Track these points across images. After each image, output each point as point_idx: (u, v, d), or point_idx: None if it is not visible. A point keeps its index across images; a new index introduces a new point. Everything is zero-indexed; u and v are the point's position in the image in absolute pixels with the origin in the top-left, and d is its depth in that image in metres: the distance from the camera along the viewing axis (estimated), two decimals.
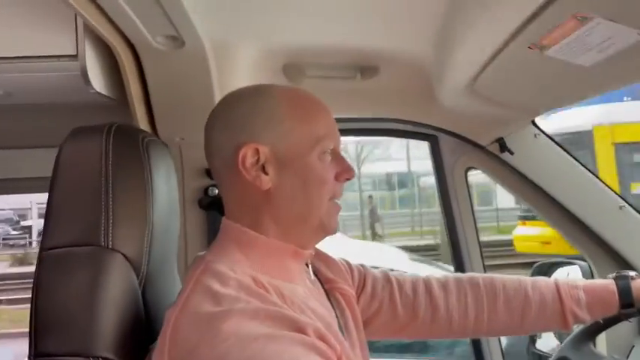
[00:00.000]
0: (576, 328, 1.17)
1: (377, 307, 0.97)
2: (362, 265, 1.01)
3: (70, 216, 0.75)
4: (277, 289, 0.73)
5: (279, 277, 0.76)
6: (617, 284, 0.98)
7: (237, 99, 0.82)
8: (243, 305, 0.66)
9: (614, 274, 1.01)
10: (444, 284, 1.00)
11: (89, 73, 0.93)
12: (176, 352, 0.65)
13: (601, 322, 1.07)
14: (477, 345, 1.58)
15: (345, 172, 0.81)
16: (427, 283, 1.00)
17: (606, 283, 1.00)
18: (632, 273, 1.00)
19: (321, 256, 0.95)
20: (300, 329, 0.66)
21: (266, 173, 0.76)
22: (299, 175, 0.77)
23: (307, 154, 0.77)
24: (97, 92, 0.98)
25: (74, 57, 0.92)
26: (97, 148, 0.77)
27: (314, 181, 0.78)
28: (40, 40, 0.92)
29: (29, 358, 0.69)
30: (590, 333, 1.13)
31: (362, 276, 0.99)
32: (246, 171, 0.76)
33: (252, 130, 0.77)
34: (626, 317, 1.00)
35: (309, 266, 0.89)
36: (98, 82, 0.97)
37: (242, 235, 0.77)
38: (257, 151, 0.76)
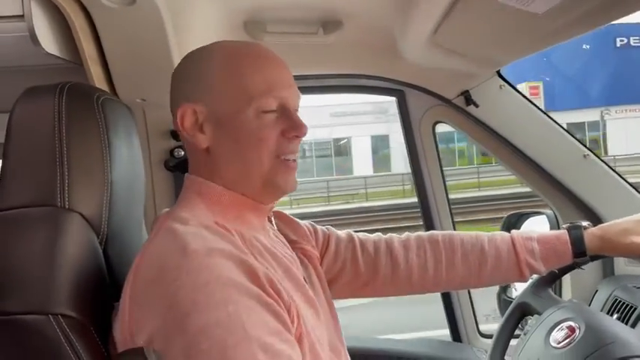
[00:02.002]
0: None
1: (340, 266, 1.00)
2: (327, 227, 1.04)
3: (24, 177, 0.74)
4: (239, 232, 0.75)
5: (240, 226, 0.78)
6: (570, 234, 1.00)
7: (184, 60, 0.83)
8: (198, 244, 0.67)
9: (567, 225, 1.03)
10: (404, 242, 1.03)
11: (37, 33, 0.90)
12: (137, 291, 0.67)
13: (556, 272, 1.10)
14: (449, 307, 1.63)
15: (292, 128, 0.79)
16: (388, 241, 1.03)
17: (559, 233, 1.02)
18: (584, 223, 1.02)
19: (284, 218, 0.97)
20: (251, 272, 0.68)
21: (203, 132, 0.78)
22: (232, 133, 0.77)
23: (241, 111, 0.77)
24: (49, 54, 0.95)
25: (20, 17, 0.89)
26: (49, 107, 0.75)
27: (248, 139, 0.77)
28: None
29: None
30: (549, 279, 1.16)
31: (326, 237, 1.01)
32: (185, 131, 0.78)
33: (190, 90, 0.79)
34: (579, 265, 1.03)
35: (273, 223, 0.91)
36: (49, 42, 0.94)
37: (202, 187, 0.79)
38: (194, 111, 0.78)
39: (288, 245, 0.91)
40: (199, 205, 0.77)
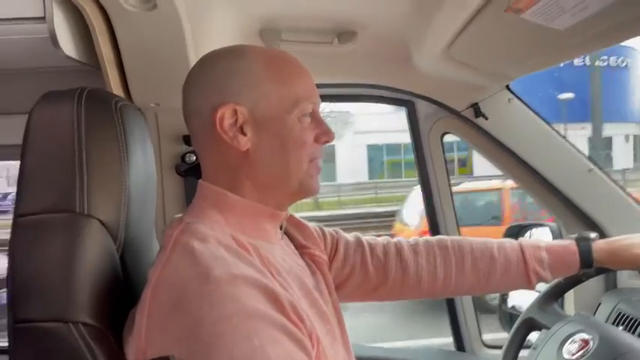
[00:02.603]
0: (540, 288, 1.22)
1: (349, 270, 0.99)
2: (335, 230, 1.03)
3: (43, 182, 0.73)
4: (256, 249, 0.74)
5: (257, 237, 0.77)
6: (578, 245, 1.01)
7: (214, 59, 0.80)
8: (220, 270, 0.65)
9: (575, 235, 1.04)
10: (414, 247, 1.03)
11: (58, 36, 0.90)
12: (155, 314, 0.65)
13: (562, 281, 1.11)
14: (453, 317, 1.63)
15: (324, 134, 0.81)
16: (398, 245, 1.03)
17: (568, 244, 1.03)
18: (592, 235, 1.03)
19: (293, 221, 0.96)
20: (276, 300, 0.66)
21: (244, 134, 0.76)
22: (277, 136, 0.77)
23: (286, 115, 0.77)
24: (68, 56, 0.95)
25: (42, 19, 0.89)
26: (68, 112, 0.74)
27: (293, 142, 0.77)
28: (5, 3, 0.88)
29: (9, 325, 0.69)
30: (555, 294, 1.17)
31: (334, 240, 1.01)
32: (224, 132, 0.75)
33: (231, 90, 0.76)
34: (586, 277, 1.05)
35: (282, 228, 0.90)
36: (68, 45, 0.94)
37: (220, 197, 0.77)
38: (235, 112, 0.75)
39: (297, 253, 0.90)
40: (216, 217, 0.76)
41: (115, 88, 1.09)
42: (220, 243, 0.70)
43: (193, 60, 1.11)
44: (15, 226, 0.72)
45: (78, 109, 0.75)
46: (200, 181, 0.81)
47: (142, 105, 1.18)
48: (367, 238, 1.04)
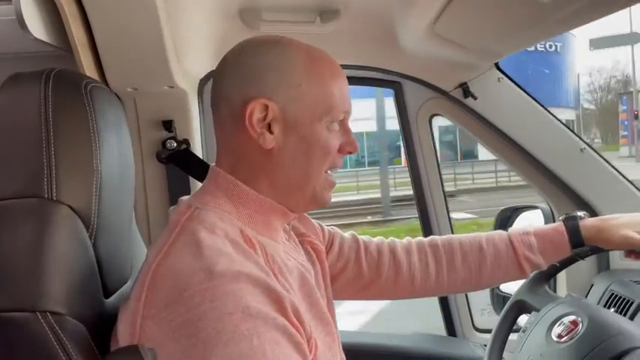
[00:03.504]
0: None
1: (343, 265, 0.99)
2: (332, 227, 1.03)
3: (9, 167, 0.71)
4: (262, 246, 0.72)
5: (264, 234, 0.76)
6: (565, 225, 1.00)
7: (253, 48, 0.77)
8: (224, 266, 0.64)
9: (563, 217, 1.03)
10: (407, 246, 1.03)
11: (25, 17, 0.86)
12: (153, 303, 0.64)
13: (557, 264, 1.09)
14: (444, 302, 1.62)
15: (349, 144, 0.79)
16: (391, 244, 1.03)
17: (556, 225, 1.02)
18: (580, 213, 1.02)
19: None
20: (278, 301, 0.65)
21: (271, 132, 0.74)
22: (305, 140, 0.75)
23: (317, 120, 0.75)
24: (37, 39, 0.92)
25: (8, 0, 0.85)
26: (35, 94, 0.71)
27: (318, 149, 0.75)
28: None
29: None
30: (546, 275, 1.15)
31: (331, 235, 1.01)
32: (251, 126, 0.73)
33: (266, 85, 0.74)
34: (580, 256, 1.03)
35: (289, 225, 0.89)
36: (37, 27, 0.91)
37: (234, 188, 0.75)
38: (266, 108, 0.73)
39: (300, 248, 0.89)
40: (227, 207, 0.74)
41: (89, 72, 1.05)
42: (227, 236, 0.69)
43: (170, 43, 1.07)
44: None
45: (45, 91, 0.72)
46: (214, 166, 0.79)
47: (119, 90, 1.15)
48: (362, 237, 1.05)
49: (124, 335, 0.66)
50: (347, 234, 1.03)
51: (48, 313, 0.65)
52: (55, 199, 0.70)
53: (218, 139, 0.80)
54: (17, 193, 0.69)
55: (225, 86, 0.77)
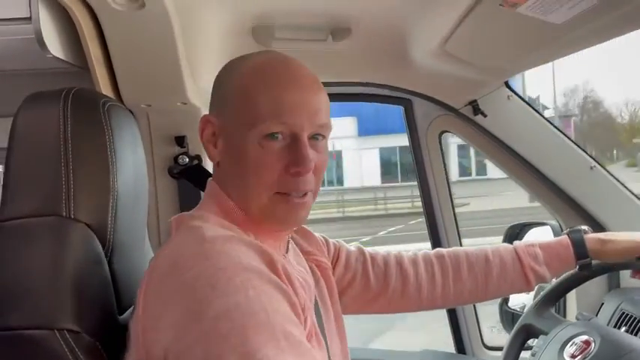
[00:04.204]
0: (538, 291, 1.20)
1: (350, 278, 0.99)
2: (337, 241, 1.03)
3: (28, 186, 0.72)
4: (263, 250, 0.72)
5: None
6: (570, 238, 1.02)
7: (224, 67, 0.81)
8: (217, 232, 0.66)
9: (567, 230, 1.04)
10: (413, 258, 1.03)
11: (44, 36, 0.88)
12: (152, 282, 0.65)
13: (558, 285, 1.11)
14: (453, 319, 1.61)
15: (292, 164, 0.70)
16: (397, 256, 1.03)
17: (560, 238, 1.03)
18: (584, 227, 1.04)
19: (300, 229, 0.95)
20: (270, 261, 0.65)
21: (216, 147, 0.76)
22: (235, 156, 0.73)
23: (245, 134, 0.71)
24: (55, 57, 0.93)
25: (27, 20, 0.87)
26: (54, 113, 0.73)
27: (248, 166, 0.71)
28: None
29: None
30: (551, 298, 1.15)
31: (337, 249, 1.00)
32: (202, 140, 0.77)
33: (213, 101, 0.78)
34: (584, 270, 1.03)
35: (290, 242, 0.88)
36: (55, 46, 0.92)
37: (225, 204, 0.76)
38: (211, 124, 0.76)
39: (303, 264, 0.88)
40: (223, 222, 0.73)
41: (105, 89, 1.07)
42: (222, 225, 0.71)
43: (184, 60, 1.09)
44: None
45: (64, 110, 0.73)
46: (210, 179, 0.81)
47: (132, 106, 1.16)
48: (368, 249, 1.04)
49: (134, 334, 0.67)
50: (352, 246, 1.03)
51: (65, 331, 0.65)
52: (72, 217, 0.71)
53: None
54: (36, 211, 0.70)
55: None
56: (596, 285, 1.42)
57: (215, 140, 0.76)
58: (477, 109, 1.40)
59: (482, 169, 22.84)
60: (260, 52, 0.80)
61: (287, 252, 0.83)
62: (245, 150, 0.71)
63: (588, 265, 1.02)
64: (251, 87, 0.72)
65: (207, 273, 0.60)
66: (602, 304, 1.39)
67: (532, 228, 1.59)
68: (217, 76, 0.80)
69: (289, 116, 0.70)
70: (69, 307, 0.67)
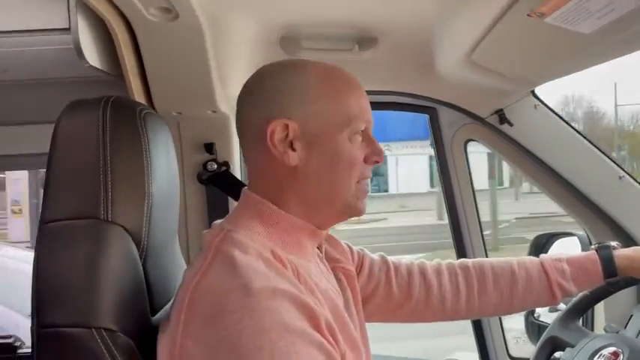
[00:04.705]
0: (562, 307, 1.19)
1: (373, 287, 0.99)
2: (361, 249, 1.03)
3: (68, 189, 0.75)
4: (293, 265, 0.74)
5: (295, 254, 0.77)
6: (599, 254, 1.00)
7: (270, 72, 0.81)
8: (260, 283, 0.65)
9: (595, 245, 1.02)
10: (437, 268, 1.03)
11: (82, 46, 0.92)
12: (192, 323, 0.66)
13: (584, 297, 1.09)
14: (478, 328, 1.60)
15: (374, 154, 0.80)
16: (421, 266, 1.03)
17: (588, 254, 1.02)
18: (613, 243, 1.02)
19: (326, 236, 0.96)
20: (313, 318, 0.66)
21: (294, 150, 0.76)
22: (327, 154, 0.77)
23: (338, 133, 0.77)
24: (92, 66, 0.97)
25: (67, 30, 0.91)
26: (94, 120, 0.76)
27: (343, 161, 0.77)
28: (31, 14, 0.91)
29: (32, 330, 0.70)
30: (577, 310, 1.14)
31: (360, 257, 1.01)
32: (273, 146, 0.76)
33: (284, 105, 0.77)
34: (611, 287, 1.02)
35: (322, 249, 0.90)
36: (92, 55, 0.96)
37: (264, 209, 0.77)
38: (286, 127, 0.76)
39: (330, 272, 0.90)
40: (258, 228, 0.76)
41: (138, 97, 1.11)
42: (260, 256, 0.71)
43: (214, 69, 1.12)
44: (40, 233, 0.74)
45: (103, 118, 0.76)
46: (245, 189, 0.82)
47: (164, 114, 1.20)
48: (391, 258, 1.04)
49: (163, 355, 0.69)
50: (375, 255, 1.03)
51: (102, 330, 0.68)
52: (110, 220, 0.73)
53: (247, 164, 0.84)
54: (76, 214, 0.73)
55: (247, 111, 0.80)
56: (625, 297, 1.39)
57: (290, 144, 0.76)
58: (503, 118, 1.39)
59: None
60: (308, 60, 0.82)
61: (321, 261, 0.86)
62: (338, 146, 0.77)
63: (617, 282, 1.00)
64: (339, 90, 0.78)
65: (253, 332, 0.62)
66: (632, 316, 1.36)
67: (559, 238, 1.57)
68: (275, 80, 0.79)
69: (367, 114, 0.80)
70: (106, 306, 0.69)
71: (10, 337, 1.52)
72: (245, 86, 0.82)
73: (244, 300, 0.64)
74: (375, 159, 0.80)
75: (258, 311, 0.63)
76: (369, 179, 0.82)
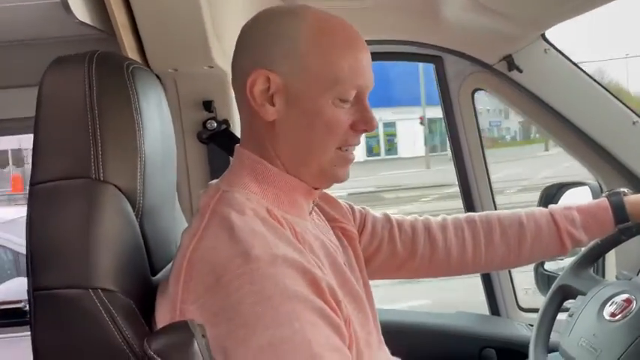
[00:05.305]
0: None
1: (377, 245, 0.98)
2: (363, 207, 1.02)
3: (57, 149, 0.73)
4: (290, 224, 0.73)
5: (291, 212, 0.76)
6: (609, 201, 0.98)
7: (263, 19, 0.77)
8: (260, 249, 0.64)
9: (606, 193, 1.01)
10: (442, 223, 1.01)
11: (69, 0, 0.88)
12: (192, 288, 0.65)
13: (597, 244, 1.07)
14: (487, 280, 1.59)
15: (362, 122, 0.75)
16: (425, 222, 1.01)
17: (599, 201, 1.00)
18: (624, 189, 1.00)
19: (324, 196, 0.94)
20: (314, 283, 0.65)
21: (273, 104, 0.73)
22: (306, 115, 0.73)
23: (320, 95, 0.72)
24: (81, 22, 0.93)
25: None
26: (79, 77, 0.73)
27: (320, 125, 0.73)
28: None
29: (28, 292, 0.69)
30: (589, 258, 1.12)
31: (363, 216, 0.99)
32: (252, 98, 0.73)
33: (269, 55, 0.73)
34: (624, 234, 1.00)
35: (314, 203, 0.88)
36: (81, 10, 0.92)
37: (257, 166, 0.76)
38: (268, 79, 0.72)
39: (329, 227, 0.88)
40: (253, 187, 0.74)
41: (131, 54, 1.07)
42: (257, 215, 0.69)
43: (209, 23, 1.08)
44: (31, 195, 0.72)
45: (89, 73, 0.73)
46: (237, 146, 0.80)
47: (160, 71, 1.16)
48: (395, 215, 1.03)
49: (163, 319, 0.68)
50: (379, 213, 1.02)
51: (99, 290, 0.67)
52: (102, 179, 0.71)
53: (240, 117, 0.80)
54: (65, 174, 0.71)
55: (237, 57, 0.77)
56: (636, 244, 1.36)
57: (271, 97, 0.73)
58: (512, 65, 1.34)
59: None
60: (308, 7, 0.77)
61: (311, 214, 0.83)
62: (319, 109, 0.72)
63: (629, 229, 0.98)
64: (330, 47, 0.72)
65: (253, 299, 0.62)
66: None
67: (570, 188, 1.54)
68: (262, 28, 0.75)
69: (362, 79, 0.74)
70: (102, 266, 0.68)
71: (20, 302, 1.54)
72: (241, 32, 0.78)
73: (244, 266, 0.63)
74: (363, 127, 0.75)
75: (259, 278, 0.62)
76: (354, 146, 0.77)
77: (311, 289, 0.65)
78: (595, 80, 1.37)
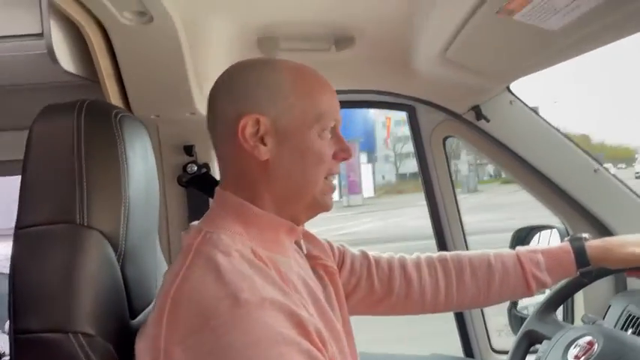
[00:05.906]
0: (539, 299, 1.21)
1: (355, 282, 1.00)
2: (342, 245, 1.04)
3: (43, 194, 0.74)
4: (274, 264, 0.74)
5: (275, 251, 0.78)
6: (572, 245, 1.02)
7: (243, 69, 0.82)
8: (248, 292, 0.65)
9: (568, 238, 1.05)
10: (416, 262, 1.04)
11: (56, 51, 0.91)
12: (178, 329, 0.65)
13: (559, 290, 1.12)
14: (461, 322, 1.62)
15: (343, 150, 0.82)
16: (401, 260, 1.04)
17: (562, 245, 1.04)
18: (585, 235, 1.04)
19: (305, 233, 0.96)
20: (301, 325, 0.66)
21: (265, 144, 0.77)
22: (297, 149, 0.78)
23: (308, 129, 0.78)
24: (67, 71, 0.96)
25: (39, 35, 0.90)
26: (68, 125, 0.75)
27: (312, 157, 0.79)
28: (3, 20, 0.90)
29: (10, 335, 0.70)
30: (553, 303, 1.16)
31: (341, 254, 1.02)
32: (245, 140, 0.76)
33: (256, 100, 0.77)
34: (585, 277, 1.03)
35: (302, 244, 0.91)
36: (66, 60, 0.95)
37: (241, 208, 0.78)
38: (258, 122, 0.76)
39: (309, 265, 0.90)
40: (237, 229, 0.76)
41: (115, 101, 1.10)
42: (243, 256, 0.70)
43: (191, 71, 1.12)
44: (16, 238, 0.73)
45: (78, 121, 0.76)
46: (219, 189, 0.82)
47: (142, 117, 1.19)
48: (372, 252, 1.05)
49: (143, 358, 0.68)
50: (356, 250, 1.04)
51: (79, 334, 0.68)
52: (86, 224, 0.73)
53: (219, 160, 0.83)
54: (51, 219, 0.73)
55: (219, 106, 0.80)
56: (603, 288, 1.42)
57: (261, 138, 0.77)
58: (479, 114, 1.41)
59: None
60: (281, 59, 0.83)
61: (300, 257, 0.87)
62: (308, 142, 0.78)
63: (590, 272, 1.02)
64: (310, 86, 0.80)
65: (243, 343, 0.62)
66: (609, 306, 1.39)
67: (539, 231, 1.59)
68: (246, 77, 0.79)
69: (336, 113, 0.82)
70: (83, 311, 0.69)
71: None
72: (218, 82, 0.82)
73: (233, 310, 0.63)
74: (343, 155, 0.82)
75: (248, 322, 0.63)
76: (336, 175, 0.84)
77: (297, 330, 0.66)
78: (558, 130, 1.45)
